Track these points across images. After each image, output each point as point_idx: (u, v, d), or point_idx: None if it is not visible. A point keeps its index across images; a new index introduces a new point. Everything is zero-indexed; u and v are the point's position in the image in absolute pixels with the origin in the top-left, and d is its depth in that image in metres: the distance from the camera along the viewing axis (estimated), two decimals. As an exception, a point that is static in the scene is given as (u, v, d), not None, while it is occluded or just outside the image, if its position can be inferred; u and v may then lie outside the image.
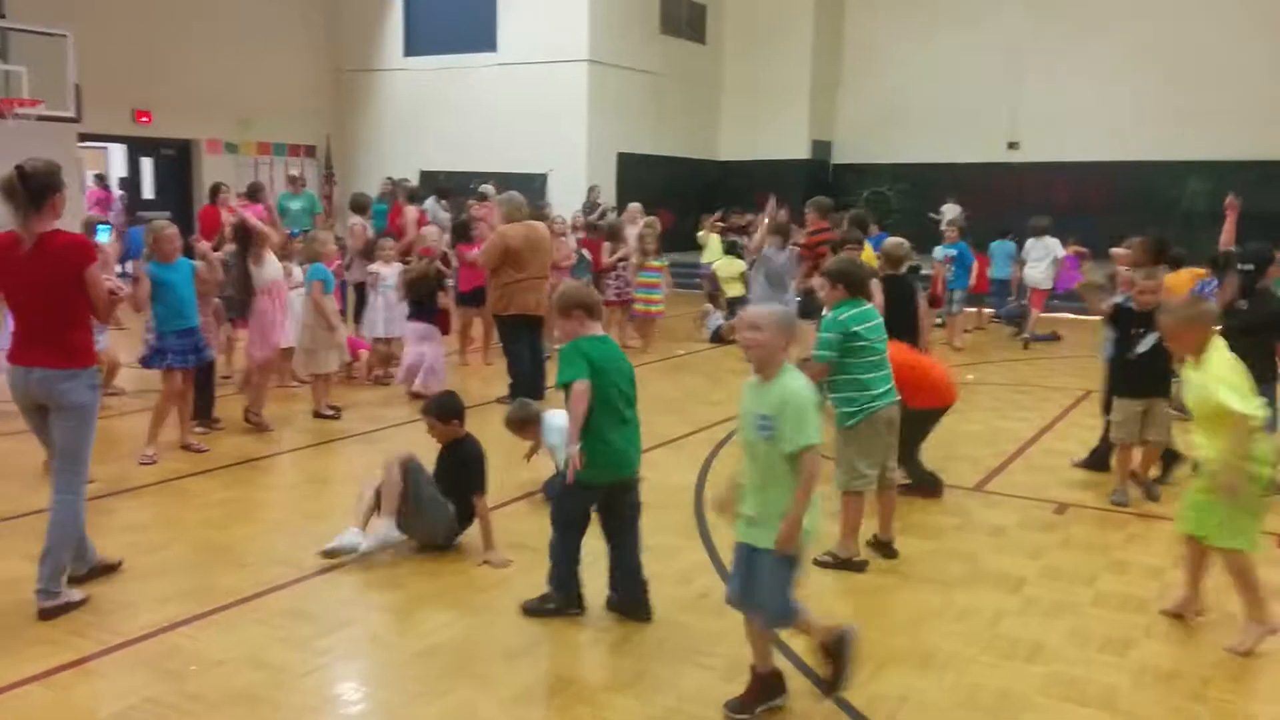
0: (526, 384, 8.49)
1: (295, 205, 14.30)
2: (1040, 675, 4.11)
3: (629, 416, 4.41)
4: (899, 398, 5.23)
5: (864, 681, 4.01)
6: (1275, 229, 9.78)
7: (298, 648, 4.27)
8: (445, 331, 9.81)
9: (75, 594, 4.60)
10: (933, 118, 20.72)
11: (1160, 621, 4.63)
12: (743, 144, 22.08)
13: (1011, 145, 20.35)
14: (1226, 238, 6.89)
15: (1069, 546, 5.57)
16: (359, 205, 11.92)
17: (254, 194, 12.83)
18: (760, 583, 3.65)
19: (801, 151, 21.63)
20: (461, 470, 5.32)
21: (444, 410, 5.43)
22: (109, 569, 4.91)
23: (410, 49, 20.87)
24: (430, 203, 14.12)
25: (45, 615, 4.45)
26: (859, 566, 5.19)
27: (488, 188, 14.98)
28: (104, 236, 7.54)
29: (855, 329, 5.08)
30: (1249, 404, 4.20)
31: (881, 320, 5.25)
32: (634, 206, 13.65)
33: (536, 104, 18.91)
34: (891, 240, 7.92)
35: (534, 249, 8.53)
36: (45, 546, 4.52)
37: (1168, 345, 4.72)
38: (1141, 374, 6.08)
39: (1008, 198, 18.98)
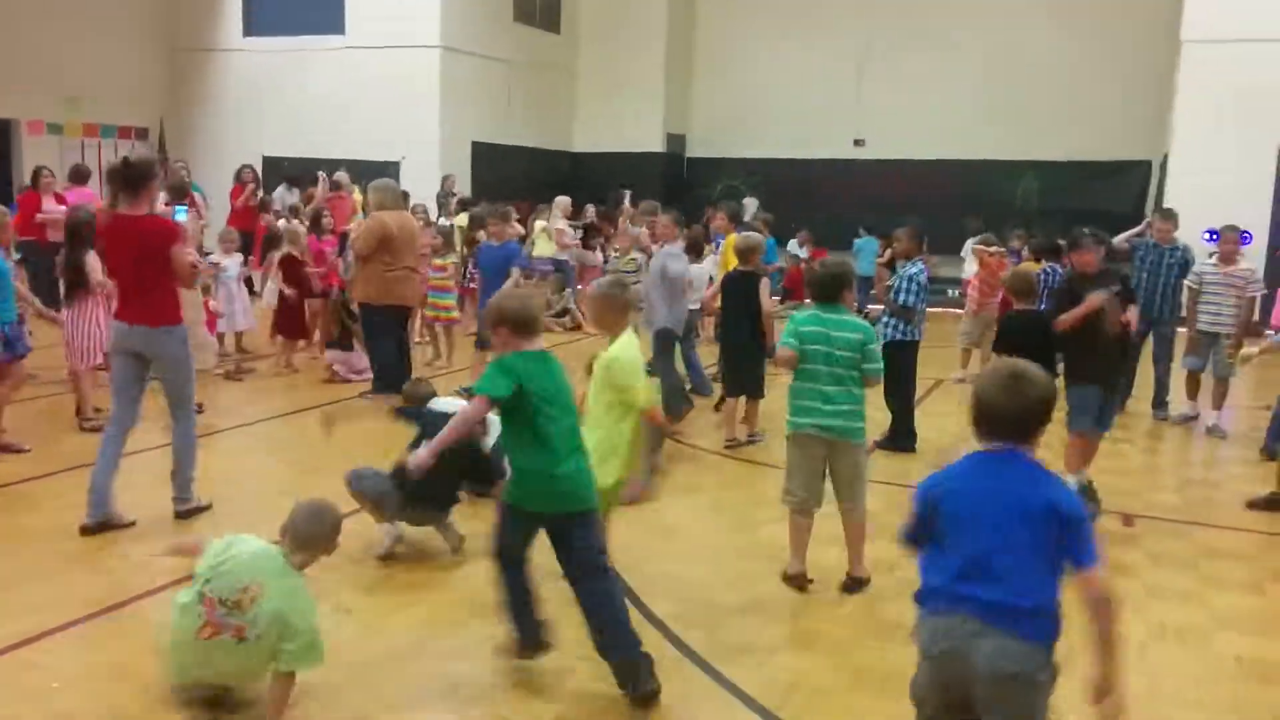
0: (392, 377, 8.28)
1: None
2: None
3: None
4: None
5: (754, 667, 4.09)
6: (1100, 224, 10.40)
7: (169, 658, 4.05)
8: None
9: (203, 500, 5.69)
10: (784, 113, 21.18)
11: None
12: (598, 135, 22.08)
13: (858, 142, 21.02)
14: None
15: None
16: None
17: (79, 178, 12.09)
18: None
19: (656, 144, 21.80)
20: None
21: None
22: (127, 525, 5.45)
23: (250, 29, 20.01)
24: (280, 191, 13.62)
25: (181, 516, 5.57)
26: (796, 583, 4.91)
27: (341, 175, 14.61)
28: (182, 216, 8.40)
29: (788, 339, 4.85)
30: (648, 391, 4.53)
31: (832, 332, 4.78)
32: (562, 200, 13.76)
33: (387, 90, 18.42)
34: (743, 234, 8.08)
35: (409, 238, 8.38)
36: (174, 466, 5.60)
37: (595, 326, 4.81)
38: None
39: (856, 193, 19.61)
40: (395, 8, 18.48)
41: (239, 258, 9.70)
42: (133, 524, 5.43)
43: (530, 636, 3.95)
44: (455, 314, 10.55)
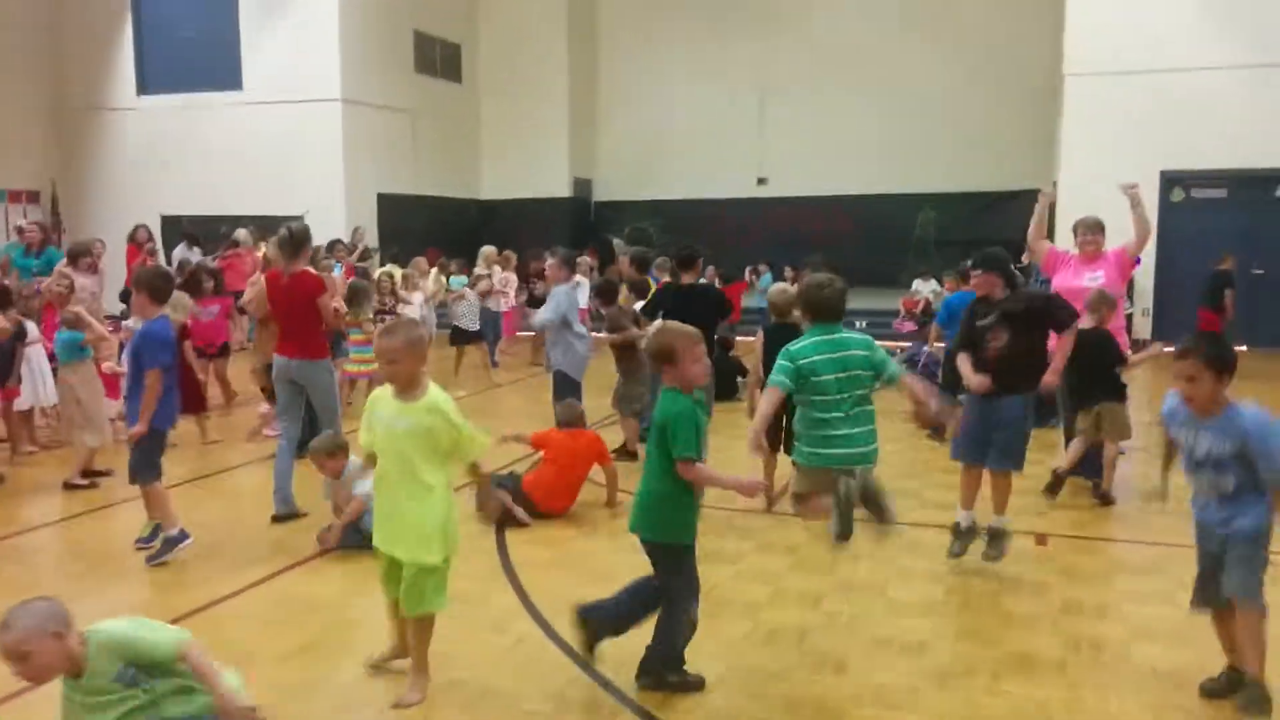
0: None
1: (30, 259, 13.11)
2: (850, 685, 4.31)
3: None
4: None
5: (690, 708, 4.08)
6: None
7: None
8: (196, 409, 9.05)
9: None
10: (687, 155, 21.52)
11: (950, 623, 4.96)
12: (505, 183, 22.15)
13: (761, 181, 21.42)
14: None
15: (859, 559, 5.85)
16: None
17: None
18: None
19: (563, 190, 21.94)
20: None
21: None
22: (300, 516, 6.58)
23: (144, 87, 19.71)
24: (181, 249, 13.32)
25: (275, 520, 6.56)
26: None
27: (240, 233, 14.35)
28: (337, 271, 9.29)
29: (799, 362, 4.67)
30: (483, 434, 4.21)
31: (841, 355, 4.68)
32: (486, 250, 13.87)
33: (289, 144, 18.26)
34: (778, 287, 7.62)
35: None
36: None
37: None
38: None
39: (761, 230, 19.99)
40: (294, 62, 18.35)
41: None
42: (306, 514, 6.58)
43: None
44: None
